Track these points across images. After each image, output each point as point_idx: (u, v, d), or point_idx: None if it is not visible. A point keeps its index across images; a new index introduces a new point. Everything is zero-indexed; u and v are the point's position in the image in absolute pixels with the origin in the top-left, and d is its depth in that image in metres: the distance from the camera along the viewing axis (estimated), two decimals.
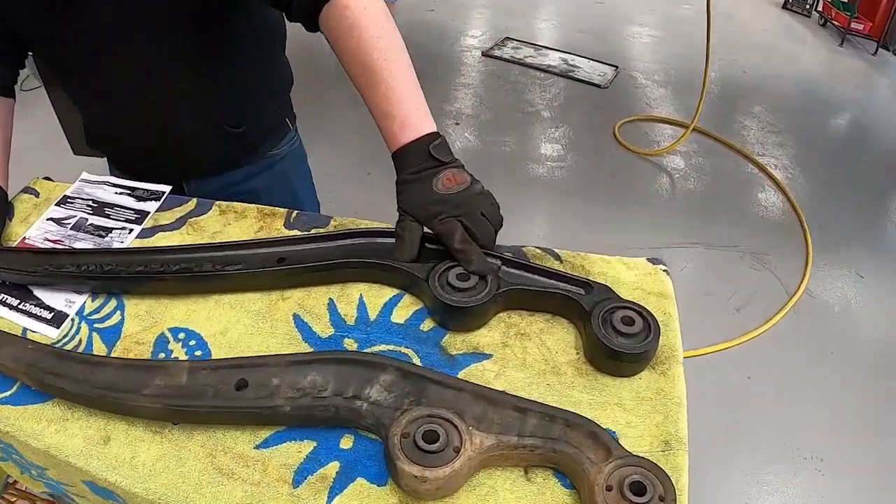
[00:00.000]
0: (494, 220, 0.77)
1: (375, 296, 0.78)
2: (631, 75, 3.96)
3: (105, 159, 1.21)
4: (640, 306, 0.72)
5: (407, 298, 0.78)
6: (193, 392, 0.66)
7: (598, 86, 3.81)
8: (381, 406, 0.62)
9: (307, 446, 0.64)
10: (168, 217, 0.94)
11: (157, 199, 0.97)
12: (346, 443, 0.64)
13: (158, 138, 1.06)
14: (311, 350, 0.73)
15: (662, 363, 0.71)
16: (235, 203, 0.95)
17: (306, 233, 0.88)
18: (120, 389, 0.67)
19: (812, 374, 2.03)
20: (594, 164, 3.10)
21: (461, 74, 3.83)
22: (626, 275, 0.81)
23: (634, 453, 0.60)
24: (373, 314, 0.76)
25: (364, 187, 2.54)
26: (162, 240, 0.90)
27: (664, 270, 0.83)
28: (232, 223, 0.92)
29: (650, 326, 0.70)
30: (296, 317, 0.77)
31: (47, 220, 0.94)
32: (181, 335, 0.76)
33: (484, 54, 4.04)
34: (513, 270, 0.77)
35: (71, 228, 0.93)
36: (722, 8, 4.45)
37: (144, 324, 0.78)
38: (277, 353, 0.72)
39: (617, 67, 3.98)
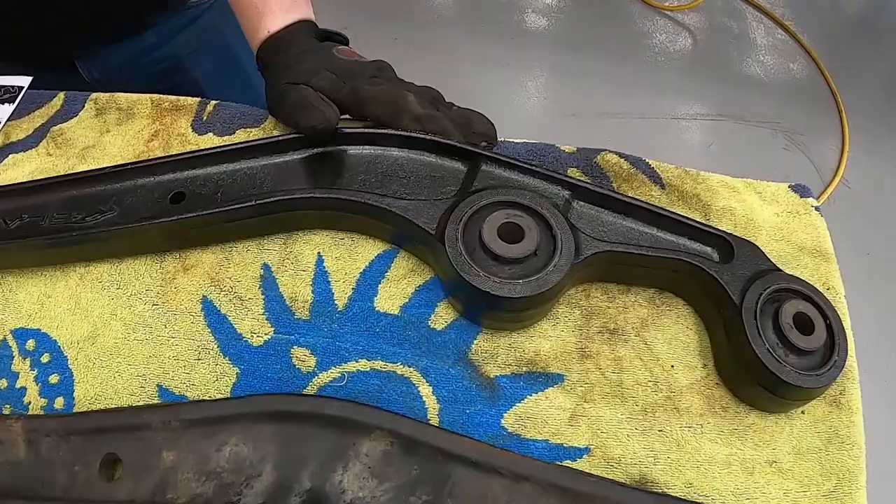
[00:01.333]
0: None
1: (345, 257, 0.45)
2: None
3: None
4: (814, 290, 0.40)
5: (401, 261, 0.44)
6: (32, 481, 0.35)
7: None
8: None
9: None
10: (24, 128, 0.55)
11: (11, 101, 0.59)
12: None
13: (31, 7, 0.66)
14: (234, 370, 0.40)
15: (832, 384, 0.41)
16: (120, 95, 0.57)
17: (227, 139, 0.52)
18: None
19: (846, 279, 1.80)
20: (606, 16, 2.60)
21: None
22: (763, 213, 0.48)
23: None
24: (342, 295, 0.43)
25: None
26: (13, 168, 0.53)
27: (815, 208, 0.50)
28: (112, 129, 0.55)
29: (834, 333, 0.38)
30: (206, 304, 0.43)
31: None
32: (29, 343, 0.43)
33: None
34: (594, 211, 0.42)
35: None
36: None
37: None
38: (174, 388, 0.40)
39: None
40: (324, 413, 0.34)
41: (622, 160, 0.48)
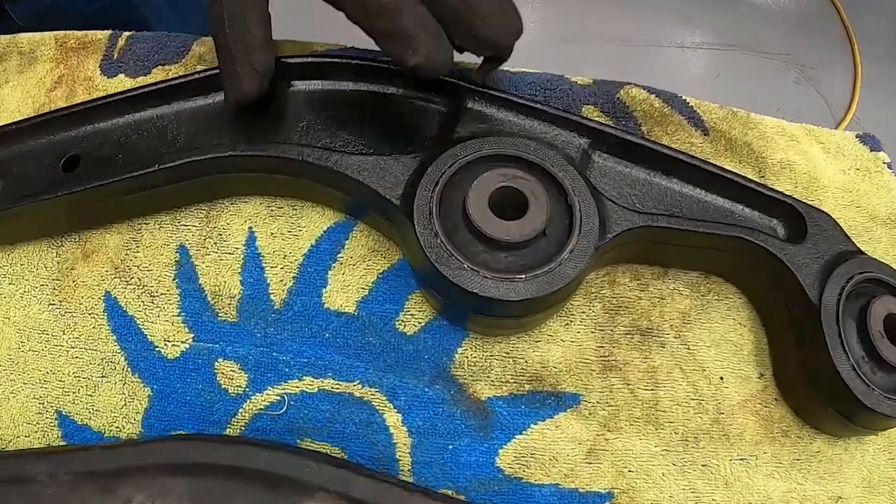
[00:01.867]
0: None
1: (284, 233, 0.33)
2: None
3: None
4: None
5: (359, 238, 0.33)
6: None
7: None
8: None
9: None
10: None
11: None
12: None
13: None
14: (146, 392, 0.31)
15: None
16: (22, 36, 0.44)
17: (142, 81, 0.40)
18: None
19: None
20: None
21: None
22: (828, 169, 0.37)
23: None
24: (280, 287, 0.32)
25: None
26: None
27: (887, 165, 0.39)
28: (12, 79, 0.42)
29: None
30: (110, 302, 0.33)
31: None
32: None
33: None
34: (623, 167, 0.30)
35: None
36: None
37: None
38: (76, 415, 0.30)
39: None
40: (248, 467, 0.25)
41: (652, 96, 0.36)
